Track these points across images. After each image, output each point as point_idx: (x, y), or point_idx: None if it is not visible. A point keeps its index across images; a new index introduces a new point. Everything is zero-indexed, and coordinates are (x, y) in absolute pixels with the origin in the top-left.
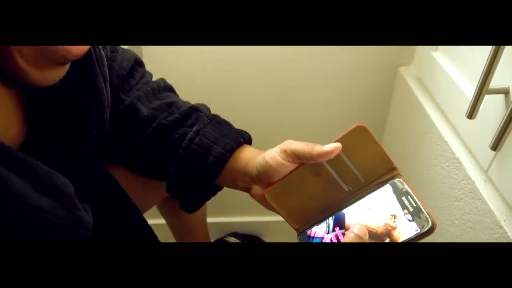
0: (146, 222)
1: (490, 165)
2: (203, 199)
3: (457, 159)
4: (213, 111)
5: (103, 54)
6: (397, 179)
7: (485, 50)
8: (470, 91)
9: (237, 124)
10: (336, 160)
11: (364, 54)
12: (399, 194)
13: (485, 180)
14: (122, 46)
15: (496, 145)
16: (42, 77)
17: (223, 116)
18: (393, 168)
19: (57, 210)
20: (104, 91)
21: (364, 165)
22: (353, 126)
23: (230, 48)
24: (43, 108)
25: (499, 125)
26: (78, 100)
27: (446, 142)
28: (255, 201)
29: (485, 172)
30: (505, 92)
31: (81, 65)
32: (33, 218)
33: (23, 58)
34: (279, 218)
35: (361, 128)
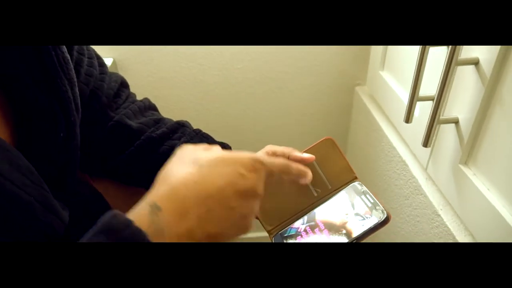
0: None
1: (427, 163)
2: None
3: (404, 161)
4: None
5: (68, 58)
6: (356, 182)
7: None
8: None
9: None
10: (308, 167)
11: (324, 75)
12: (359, 193)
13: (426, 178)
14: (109, 69)
15: (426, 142)
16: None
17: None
18: (355, 178)
19: (26, 186)
20: (70, 94)
21: (332, 173)
22: (323, 138)
23: (200, 67)
24: (22, 115)
25: (426, 124)
26: (43, 104)
27: (394, 148)
28: None
29: (425, 170)
30: (432, 99)
31: (44, 71)
32: (3, 188)
33: None
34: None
35: (330, 140)
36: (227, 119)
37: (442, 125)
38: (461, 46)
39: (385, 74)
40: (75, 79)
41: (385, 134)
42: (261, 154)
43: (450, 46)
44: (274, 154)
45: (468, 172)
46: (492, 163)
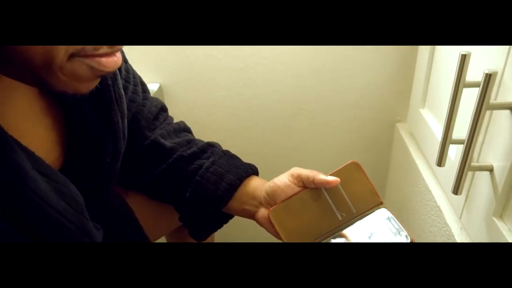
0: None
1: (462, 211)
2: (212, 227)
3: (439, 207)
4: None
5: (123, 93)
6: (382, 208)
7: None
8: None
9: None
10: (333, 190)
11: (364, 110)
12: (384, 219)
13: (461, 227)
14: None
15: (456, 189)
16: (78, 87)
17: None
18: (381, 203)
19: (68, 214)
20: (120, 125)
21: (356, 197)
22: (348, 162)
23: (237, 95)
24: (75, 138)
25: (457, 169)
26: (97, 132)
27: (430, 191)
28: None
29: (460, 218)
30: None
31: (102, 103)
32: (48, 216)
33: (64, 74)
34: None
35: (355, 164)
36: (263, 148)
37: (478, 172)
38: (493, 89)
39: (425, 112)
40: (126, 112)
41: (422, 175)
42: (286, 176)
43: (481, 87)
44: (299, 176)
45: (502, 226)
46: None
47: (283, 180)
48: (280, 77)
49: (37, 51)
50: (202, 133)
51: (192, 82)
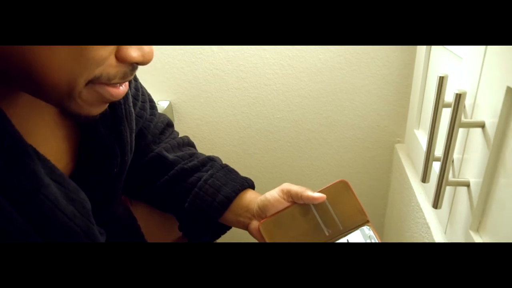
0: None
1: (446, 227)
2: (210, 237)
3: (427, 224)
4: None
5: (132, 111)
6: (365, 226)
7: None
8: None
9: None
10: (321, 206)
11: (364, 130)
12: (365, 237)
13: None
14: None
15: (436, 204)
16: (90, 111)
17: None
18: (367, 221)
19: (75, 218)
20: (128, 139)
21: (344, 215)
22: (337, 180)
23: (242, 111)
24: (86, 149)
25: (435, 184)
26: (108, 145)
27: (421, 209)
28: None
29: (445, 233)
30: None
31: (113, 118)
32: (57, 219)
33: (81, 99)
34: None
35: (344, 182)
36: (264, 164)
37: (459, 188)
38: (467, 108)
39: (419, 133)
40: (134, 128)
41: (415, 193)
42: (276, 191)
43: (452, 107)
44: (289, 192)
45: (477, 239)
46: (502, 232)
47: (274, 195)
48: (282, 98)
49: (63, 78)
50: (207, 148)
51: (200, 100)
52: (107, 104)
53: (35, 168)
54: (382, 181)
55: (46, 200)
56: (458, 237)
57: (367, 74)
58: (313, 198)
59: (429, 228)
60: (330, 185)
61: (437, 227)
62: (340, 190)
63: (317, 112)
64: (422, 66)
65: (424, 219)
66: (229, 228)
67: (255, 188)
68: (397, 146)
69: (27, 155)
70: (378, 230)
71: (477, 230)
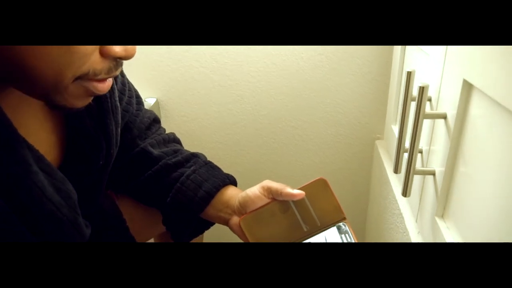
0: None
1: (417, 216)
2: (193, 232)
3: (401, 214)
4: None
5: (118, 105)
6: (342, 223)
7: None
8: None
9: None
10: (300, 203)
11: (344, 127)
12: (341, 233)
13: (418, 231)
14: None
15: (405, 192)
16: (75, 103)
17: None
18: (344, 219)
19: (62, 207)
20: (114, 133)
21: (322, 212)
22: (317, 178)
23: (233, 107)
24: (73, 141)
25: (404, 174)
26: (94, 137)
27: (396, 201)
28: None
29: (416, 222)
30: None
31: (99, 112)
32: (44, 206)
33: (67, 93)
34: None
35: (322, 180)
36: (249, 161)
37: (427, 177)
38: (430, 101)
39: (396, 128)
40: (120, 122)
41: (391, 187)
42: (257, 188)
43: (417, 99)
44: (269, 188)
45: (442, 225)
46: (462, 217)
47: (255, 191)
48: (266, 95)
49: (50, 72)
50: (194, 145)
51: (186, 97)
52: (91, 98)
53: (25, 155)
54: (364, 177)
55: (34, 187)
56: (427, 224)
57: (348, 72)
58: (292, 195)
59: (403, 218)
60: (310, 183)
61: (410, 216)
62: (319, 188)
63: (300, 109)
64: (398, 64)
65: (399, 209)
66: (211, 224)
67: (241, 184)
68: (377, 142)
69: (17, 142)
70: (360, 225)
71: (441, 216)
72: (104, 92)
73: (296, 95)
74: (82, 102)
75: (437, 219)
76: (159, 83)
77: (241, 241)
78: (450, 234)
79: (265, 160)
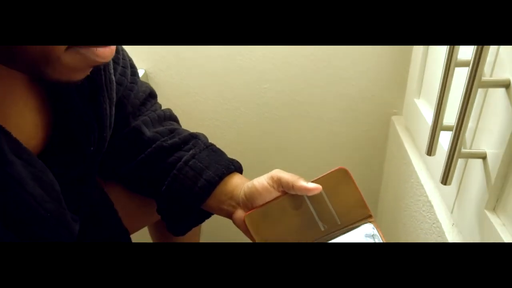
0: (132, 243)
1: (453, 206)
2: (190, 223)
3: (430, 202)
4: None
5: (113, 79)
6: (369, 223)
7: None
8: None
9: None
10: (316, 198)
11: (358, 102)
12: (368, 236)
13: (453, 224)
14: (141, 78)
15: (445, 179)
16: (71, 76)
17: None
18: (370, 216)
19: (45, 202)
20: (107, 112)
21: (343, 208)
22: (336, 168)
23: (228, 88)
24: (60, 122)
25: (446, 156)
26: (83, 117)
27: (422, 186)
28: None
29: (451, 213)
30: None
31: (91, 87)
32: (23, 201)
33: (60, 64)
34: None
35: (343, 170)
36: (251, 140)
37: (471, 161)
38: (488, 66)
39: (420, 103)
40: (115, 99)
41: (414, 169)
42: (265, 178)
43: (471, 63)
44: (279, 180)
45: (495, 220)
46: None
47: (262, 182)
48: (270, 66)
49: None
50: (187, 123)
51: (178, 68)
52: (91, 68)
53: None
54: (377, 156)
55: (10, 180)
56: (469, 217)
57: None
58: (307, 189)
59: (431, 206)
60: (327, 174)
61: (441, 206)
62: (338, 179)
63: (308, 82)
64: None
65: (426, 196)
66: (210, 215)
67: (242, 168)
68: (394, 118)
69: None
70: (372, 209)
71: (493, 210)
72: (108, 60)
73: (303, 65)
74: (79, 75)
75: (488, 213)
76: (148, 52)
77: (246, 237)
78: (508, 231)
79: (268, 138)
